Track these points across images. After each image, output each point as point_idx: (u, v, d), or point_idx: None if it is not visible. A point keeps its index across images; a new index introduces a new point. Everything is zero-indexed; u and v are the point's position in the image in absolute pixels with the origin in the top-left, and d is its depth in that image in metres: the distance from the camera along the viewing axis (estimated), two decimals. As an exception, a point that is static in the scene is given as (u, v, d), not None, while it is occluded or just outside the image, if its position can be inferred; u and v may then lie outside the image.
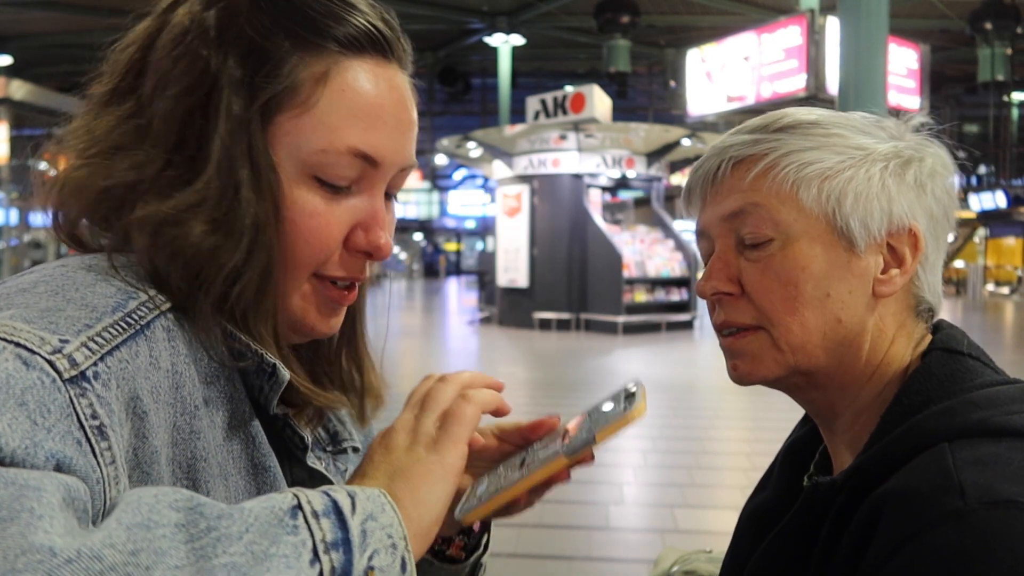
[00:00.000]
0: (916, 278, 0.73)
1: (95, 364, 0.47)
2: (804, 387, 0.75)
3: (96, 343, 0.48)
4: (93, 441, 0.45)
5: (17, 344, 0.45)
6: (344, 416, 0.73)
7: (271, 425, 0.63)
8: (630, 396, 0.60)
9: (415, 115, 0.66)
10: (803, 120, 0.73)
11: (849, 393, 0.74)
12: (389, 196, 0.67)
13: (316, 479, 0.65)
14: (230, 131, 0.57)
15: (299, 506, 0.46)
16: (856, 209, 0.70)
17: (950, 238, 0.77)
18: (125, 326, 0.51)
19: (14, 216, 13.43)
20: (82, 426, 0.45)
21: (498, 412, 0.63)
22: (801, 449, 0.86)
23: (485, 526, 0.77)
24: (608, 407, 0.61)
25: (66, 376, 0.45)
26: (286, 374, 0.59)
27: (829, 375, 0.73)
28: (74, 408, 0.45)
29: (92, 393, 0.46)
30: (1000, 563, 0.52)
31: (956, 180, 0.76)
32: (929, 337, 0.75)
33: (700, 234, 0.79)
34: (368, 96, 0.61)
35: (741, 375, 0.75)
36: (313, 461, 0.65)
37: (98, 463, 0.45)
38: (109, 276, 0.55)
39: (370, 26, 0.61)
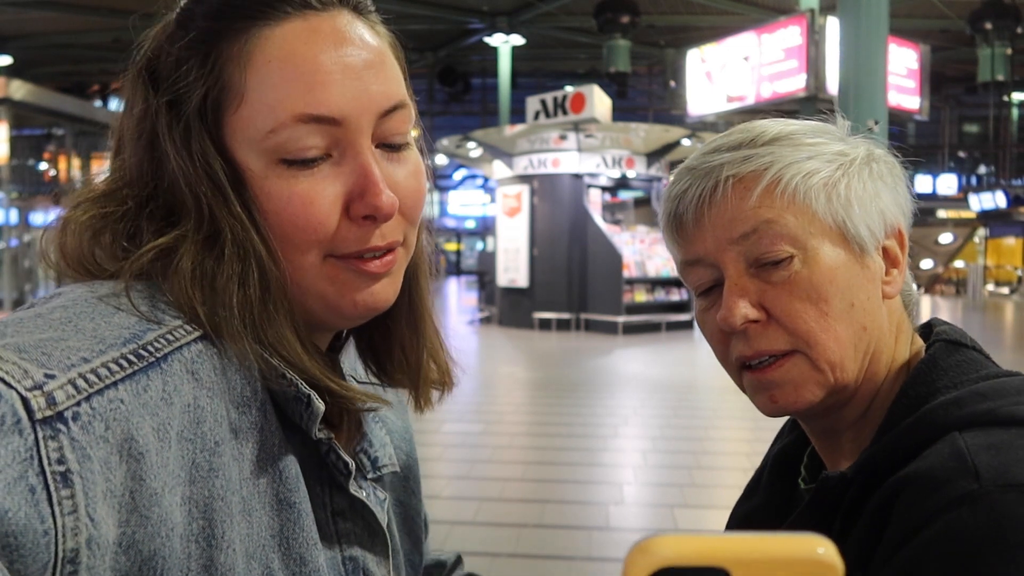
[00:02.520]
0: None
1: (78, 404, 0.44)
2: (834, 406, 0.72)
3: (87, 380, 0.46)
4: (52, 488, 0.42)
5: None
6: (385, 438, 0.70)
7: (315, 449, 0.61)
8: None
9: (374, 50, 0.60)
10: (785, 131, 0.72)
11: (866, 399, 0.73)
12: (394, 147, 0.62)
13: (356, 507, 0.64)
14: (176, 152, 0.57)
15: None
16: (862, 215, 0.70)
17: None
18: (135, 359, 0.49)
19: (14, 216, 13.41)
20: (43, 472, 0.42)
21: None
22: (790, 455, 0.85)
23: None
24: None
25: (38, 416, 0.43)
26: (321, 406, 0.58)
27: (856, 386, 0.72)
28: (38, 451, 0.42)
29: (65, 436, 0.43)
30: (1015, 545, 0.52)
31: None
32: (915, 333, 0.76)
33: (695, 262, 0.73)
34: (298, 57, 0.57)
35: (783, 406, 0.71)
36: (355, 489, 0.63)
37: (53, 512, 0.42)
38: (134, 304, 0.53)
39: None
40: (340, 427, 0.65)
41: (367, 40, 0.60)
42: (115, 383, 0.47)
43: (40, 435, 0.42)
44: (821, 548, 0.28)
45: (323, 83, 0.57)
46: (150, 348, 0.50)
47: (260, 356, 0.56)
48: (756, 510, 0.84)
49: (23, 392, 0.43)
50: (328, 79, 0.57)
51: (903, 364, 0.74)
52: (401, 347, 0.70)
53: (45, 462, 0.42)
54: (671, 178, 0.76)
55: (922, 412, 0.65)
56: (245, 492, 0.54)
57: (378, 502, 0.67)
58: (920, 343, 0.76)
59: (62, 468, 0.42)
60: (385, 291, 0.63)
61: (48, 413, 0.43)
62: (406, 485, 0.77)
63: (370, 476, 0.68)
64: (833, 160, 0.71)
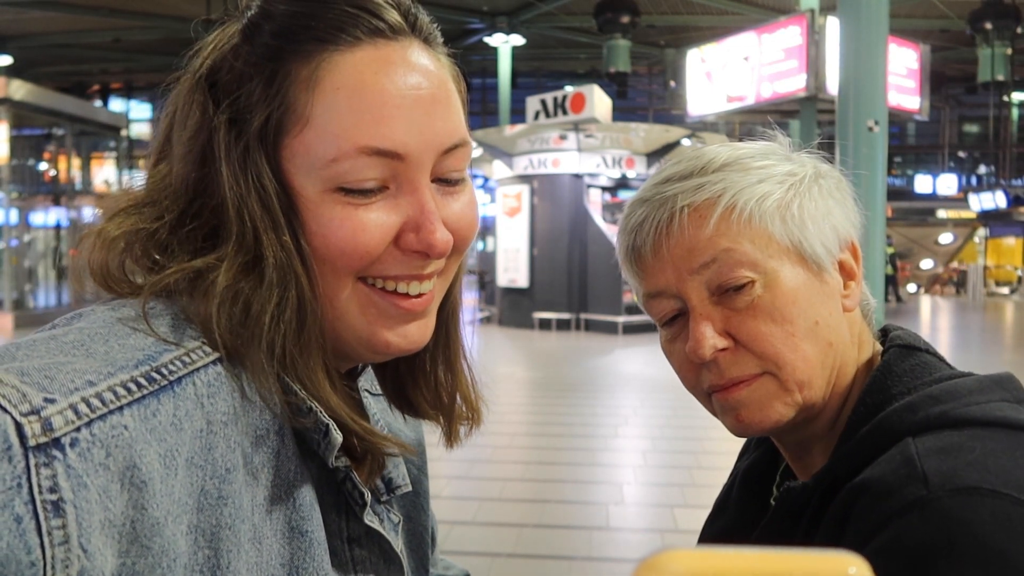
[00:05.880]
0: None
1: (77, 430, 0.43)
2: (802, 423, 0.73)
3: (89, 405, 0.44)
4: (41, 518, 0.40)
5: None
6: (398, 458, 0.69)
7: (332, 476, 0.59)
8: None
9: (441, 84, 0.59)
10: (734, 156, 0.73)
11: (834, 412, 0.74)
12: (451, 182, 0.61)
13: (372, 535, 0.63)
14: (232, 173, 0.55)
15: None
16: (817, 233, 0.71)
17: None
18: (145, 382, 0.47)
19: (14, 216, 13.41)
20: (32, 500, 0.40)
21: None
22: (759, 471, 0.85)
23: None
24: None
25: (31, 443, 0.41)
26: (339, 437, 0.56)
27: (824, 401, 0.72)
28: (29, 478, 0.41)
29: (60, 463, 0.42)
30: (964, 548, 0.53)
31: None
32: (875, 340, 0.77)
33: (657, 295, 0.74)
34: (367, 87, 0.55)
35: (748, 424, 0.71)
36: (371, 519, 0.62)
37: (42, 543, 0.40)
38: (152, 325, 0.51)
39: (353, 10, 0.56)
40: (363, 461, 0.64)
41: (435, 73, 0.59)
42: (120, 408, 0.45)
43: (32, 462, 0.41)
44: (853, 568, 0.25)
45: (390, 117, 0.56)
46: (163, 371, 0.49)
47: (280, 391, 0.54)
48: (728, 529, 0.83)
49: (17, 417, 0.41)
50: (395, 113, 0.56)
51: (865, 373, 0.74)
52: (436, 384, 0.69)
53: (35, 490, 0.41)
54: (624, 211, 0.77)
55: (878, 419, 0.66)
56: (257, 519, 0.52)
57: (392, 527, 0.65)
58: (879, 349, 0.76)
59: (54, 497, 0.41)
60: (420, 332, 0.62)
61: (43, 439, 0.42)
62: (415, 501, 0.76)
63: (383, 499, 0.66)
64: (783, 181, 0.72)
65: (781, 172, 0.72)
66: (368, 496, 0.61)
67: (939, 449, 0.60)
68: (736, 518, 0.83)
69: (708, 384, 0.72)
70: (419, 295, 0.60)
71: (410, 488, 0.69)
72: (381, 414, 0.73)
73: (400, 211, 0.58)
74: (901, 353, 0.72)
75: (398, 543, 0.66)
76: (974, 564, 0.52)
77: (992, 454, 0.58)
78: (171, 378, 0.49)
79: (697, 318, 0.71)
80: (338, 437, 0.56)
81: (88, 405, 0.44)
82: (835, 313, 0.72)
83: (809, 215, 0.71)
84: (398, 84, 0.56)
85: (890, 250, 17.97)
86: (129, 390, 0.46)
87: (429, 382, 0.69)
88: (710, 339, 0.70)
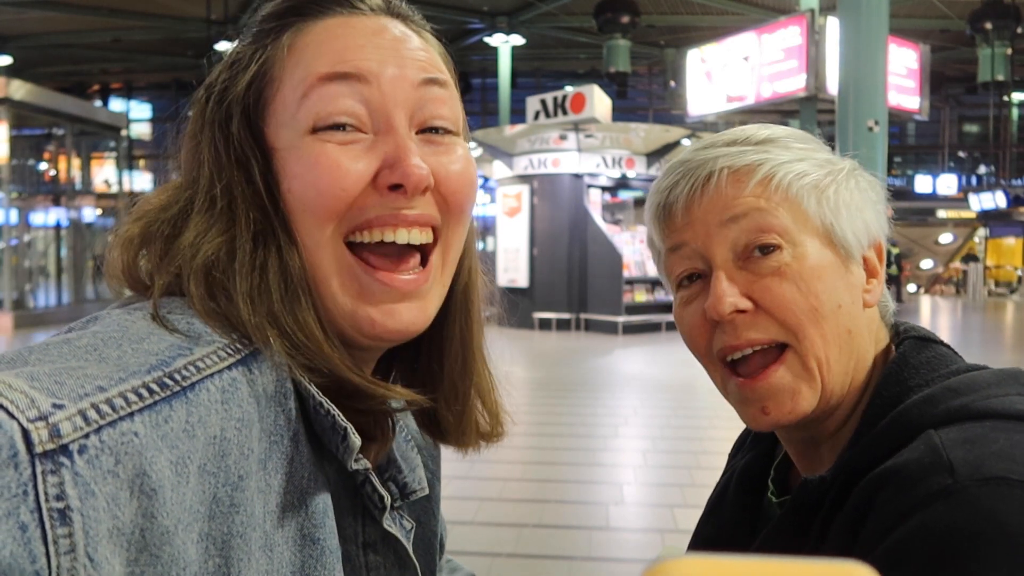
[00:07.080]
0: None
1: (86, 436, 0.42)
2: (820, 416, 0.72)
3: (98, 411, 0.43)
4: (47, 526, 0.39)
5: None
6: (416, 459, 0.69)
7: (350, 479, 0.59)
8: None
9: (418, 41, 0.62)
10: (775, 135, 0.74)
11: (850, 407, 0.73)
12: (437, 131, 0.61)
13: (388, 540, 0.62)
14: (213, 135, 0.59)
15: None
16: (850, 222, 0.72)
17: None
18: (157, 388, 0.46)
19: (14, 216, 13.41)
20: (38, 508, 0.39)
21: None
22: (754, 473, 0.85)
23: None
24: None
25: (38, 449, 0.40)
26: (357, 440, 0.56)
27: (843, 393, 0.72)
28: (35, 486, 0.40)
29: (68, 470, 0.41)
30: (991, 538, 0.53)
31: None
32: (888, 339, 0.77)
33: (679, 247, 0.73)
34: (335, 40, 0.60)
35: (776, 417, 0.70)
36: (389, 523, 0.61)
37: (47, 551, 0.39)
38: (168, 327, 0.51)
39: None
40: (374, 437, 0.63)
41: (411, 36, 0.62)
42: (131, 414, 0.44)
43: (38, 469, 0.40)
44: None
45: (353, 51, 0.59)
46: (176, 376, 0.48)
47: (303, 390, 0.55)
48: (724, 528, 0.83)
49: (24, 423, 0.41)
50: (359, 48, 0.59)
51: (881, 367, 0.74)
52: (453, 386, 0.68)
53: (42, 498, 0.40)
54: (662, 172, 0.76)
55: (897, 412, 0.65)
56: (268, 527, 0.52)
57: (404, 532, 0.65)
58: (890, 344, 0.76)
59: (60, 505, 0.40)
60: (410, 314, 0.60)
61: (50, 446, 0.41)
62: (427, 506, 0.75)
63: (397, 504, 0.65)
64: (823, 166, 0.72)
65: (821, 158, 0.74)
66: (388, 500, 0.60)
67: (964, 440, 0.59)
68: (732, 517, 0.83)
69: (721, 345, 0.71)
70: (407, 266, 0.60)
71: (426, 491, 0.69)
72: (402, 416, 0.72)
73: (377, 153, 0.58)
74: (916, 345, 0.72)
75: (411, 549, 0.65)
76: (1002, 554, 0.52)
77: (1017, 445, 0.58)
78: (184, 384, 0.48)
79: (720, 275, 0.70)
80: (357, 441, 0.56)
81: (98, 411, 0.43)
82: (857, 303, 0.72)
83: (844, 202, 0.72)
84: (364, 33, 0.60)
85: (895, 250, 17.98)
86: (140, 396, 0.45)
87: (454, 396, 0.68)
88: (731, 296, 0.69)
